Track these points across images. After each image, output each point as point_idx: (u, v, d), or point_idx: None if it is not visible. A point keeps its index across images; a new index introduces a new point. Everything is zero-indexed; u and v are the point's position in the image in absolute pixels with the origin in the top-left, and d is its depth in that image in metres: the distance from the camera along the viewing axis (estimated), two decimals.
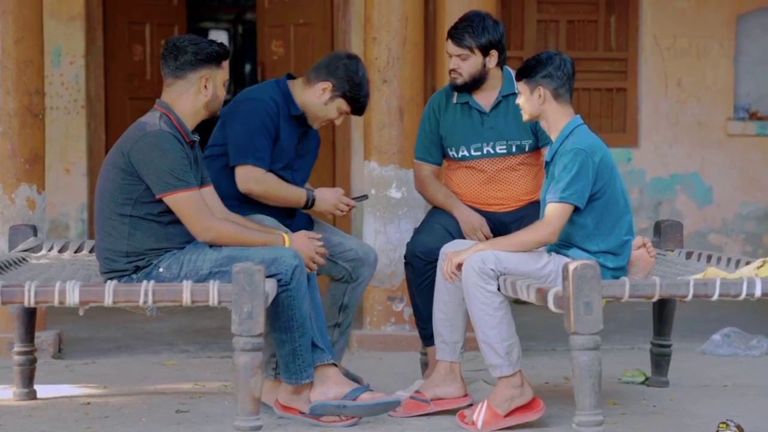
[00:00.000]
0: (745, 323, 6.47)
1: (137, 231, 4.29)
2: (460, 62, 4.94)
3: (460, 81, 4.96)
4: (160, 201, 4.26)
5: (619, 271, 4.41)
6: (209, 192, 4.50)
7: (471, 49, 4.91)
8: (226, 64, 4.44)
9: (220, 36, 14.23)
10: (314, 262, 4.52)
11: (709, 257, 4.92)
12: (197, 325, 6.92)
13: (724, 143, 8.37)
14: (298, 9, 8.43)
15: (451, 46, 4.96)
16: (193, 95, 4.37)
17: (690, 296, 3.89)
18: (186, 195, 4.24)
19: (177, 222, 4.30)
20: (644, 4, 8.26)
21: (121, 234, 4.29)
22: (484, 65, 4.94)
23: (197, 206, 4.27)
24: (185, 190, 4.24)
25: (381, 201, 6.08)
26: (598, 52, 8.32)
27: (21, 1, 5.78)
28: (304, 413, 4.47)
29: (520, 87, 4.50)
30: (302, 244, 4.47)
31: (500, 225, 4.97)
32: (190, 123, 4.40)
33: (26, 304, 3.83)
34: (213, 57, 4.37)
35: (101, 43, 8.20)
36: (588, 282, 3.81)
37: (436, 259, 4.75)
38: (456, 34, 4.95)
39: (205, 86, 4.37)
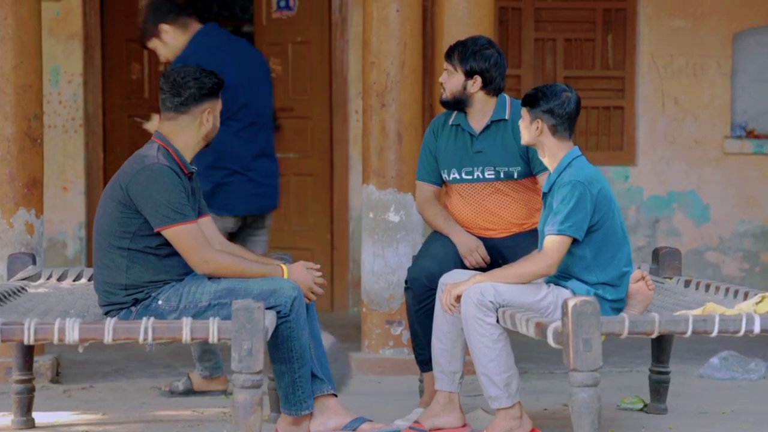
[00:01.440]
0: (743, 346, 6.46)
1: (136, 264, 4.29)
2: (446, 77, 5.01)
3: (443, 96, 5.03)
4: (159, 234, 4.27)
5: (618, 303, 4.41)
6: (207, 222, 4.52)
7: (455, 68, 4.97)
8: (220, 92, 4.49)
9: None
10: (313, 293, 4.52)
11: (708, 286, 4.92)
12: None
13: (721, 161, 8.38)
14: (295, 27, 8.42)
15: (444, 61, 5.05)
16: (195, 129, 4.41)
17: (689, 333, 3.91)
18: (184, 228, 4.26)
19: (175, 254, 4.31)
20: (641, 23, 8.27)
21: (120, 267, 4.30)
22: (465, 88, 4.96)
23: (196, 239, 4.28)
24: (183, 224, 4.26)
25: (379, 224, 6.09)
26: (595, 71, 8.32)
27: (20, 26, 5.79)
28: None
29: (523, 112, 4.51)
30: (301, 274, 4.47)
31: (494, 250, 4.97)
32: (189, 155, 4.42)
33: (26, 342, 3.83)
34: (214, 90, 4.42)
35: (99, 61, 8.19)
36: (587, 318, 3.82)
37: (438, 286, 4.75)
38: (449, 49, 5.03)
39: (207, 119, 4.41)
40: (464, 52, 4.96)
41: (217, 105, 4.45)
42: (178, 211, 4.24)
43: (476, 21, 6.07)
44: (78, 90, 8.06)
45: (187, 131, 4.40)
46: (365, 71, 6.16)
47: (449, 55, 5.00)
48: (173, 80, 4.39)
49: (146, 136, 8.45)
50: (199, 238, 4.29)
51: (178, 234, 4.25)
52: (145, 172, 4.26)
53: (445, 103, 5.05)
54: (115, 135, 8.40)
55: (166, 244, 4.30)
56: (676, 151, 8.35)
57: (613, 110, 8.36)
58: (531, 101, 4.47)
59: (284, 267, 4.44)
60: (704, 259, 8.36)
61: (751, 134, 8.39)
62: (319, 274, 4.52)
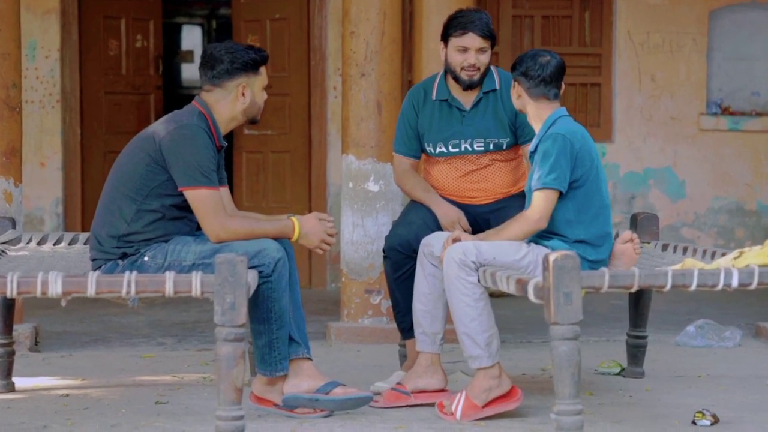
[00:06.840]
0: (718, 315, 6.55)
1: (141, 219, 4.32)
2: (481, 56, 4.85)
3: (477, 77, 4.87)
4: (172, 196, 4.30)
5: (598, 264, 4.43)
6: (224, 192, 4.54)
7: (490, 43, 4.84)
8: (263, 69, 4.48)
9: (193, 31, 14.18)
10: (326, 243, 4.50)
11: (685, 249, 4.96)
12: (174, 318, 6.92)
13: (696, 138, 8.44)
14: (273, 4, 8.42)
15: (475, 39, 4.82)
16: (230, 103, 4.43)
17: (668, 286, 3.92)
18: (208, 193, 4.29)
19: (179, 219, 4.36)
20: (618, 0, 8.31)
21: (125, 216, 4.33)
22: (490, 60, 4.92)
23: (216, 206, 4.30)
24: (208, 188, 4.29)
25: (359, 194, 6.11)
26: (572, 48, 8.37)
27: None
28: (278, 405, 4.48)
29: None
30: (313, 226, 4.47)
31: (479, 217, 4.98)
32: (225, 128, 4.46)
33: (8, 294, 3.82)
34: (249, 65, 4.41)
35: (76, 37, 8.17)
36: (568, 272, 3.84)
37: (414, 252, 4.77)
38: (480, 25, 4.81)
39: (243, 94, 4.42)
40: (487, 23, 4.82)
41: (256, 80, 4.42)
42: (206, 175, 4.27)
43: None
44: (55, 66, 8.04)
45: (222, 104, 4.41)
46: (345, 41, 6.17)
47: (486, 31, 4.80)
48: (209, 54, 4.43)
49: (124, 113, 8.55)
50: (219, 206, 4.31)
51: (201, 197, 4.27)
52: (182, 131, 4.29)
53: (473, 84, 4.85)
54: (92, 111, 8.37)
55: (177, 207, 4.33)
56: (652, 128, 8.41)
57: (590, 87, 8.40)
58: (513, 65, 4.54)
59: (295, 220, 4.44)
60: (680, 235, 8.42)
61: (726, 111, 8.46)
62: (332, 225, 4.52)
